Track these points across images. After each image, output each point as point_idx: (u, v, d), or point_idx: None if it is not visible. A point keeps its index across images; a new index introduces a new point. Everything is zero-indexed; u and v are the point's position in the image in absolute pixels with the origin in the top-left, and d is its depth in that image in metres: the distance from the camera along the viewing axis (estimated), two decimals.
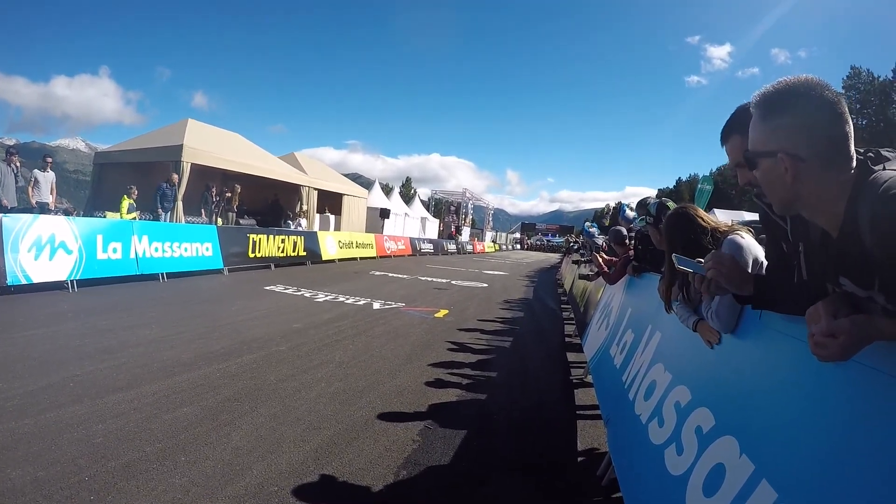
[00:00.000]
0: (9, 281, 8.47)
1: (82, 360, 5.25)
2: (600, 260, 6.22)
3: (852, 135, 1.36)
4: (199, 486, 3.07)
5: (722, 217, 20.32)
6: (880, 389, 1.31)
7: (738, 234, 2.49)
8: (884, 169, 1.31)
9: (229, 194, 19.58)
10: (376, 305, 10.37)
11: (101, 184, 18.78)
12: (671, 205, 3.95)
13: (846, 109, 1.36)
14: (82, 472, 3.11)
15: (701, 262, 1.99)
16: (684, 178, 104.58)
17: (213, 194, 18.78)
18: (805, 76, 1.37)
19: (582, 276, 9.93)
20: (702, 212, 2.82)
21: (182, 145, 16.42)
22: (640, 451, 2.81)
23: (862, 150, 1.38)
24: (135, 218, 13.87)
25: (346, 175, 33.12)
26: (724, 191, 66.07)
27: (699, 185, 18.26)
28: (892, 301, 1.28)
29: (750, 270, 2.21)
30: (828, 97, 1.34)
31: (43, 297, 8.50)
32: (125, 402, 4.26)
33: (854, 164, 1.35)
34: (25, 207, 11.94)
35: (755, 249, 2.37)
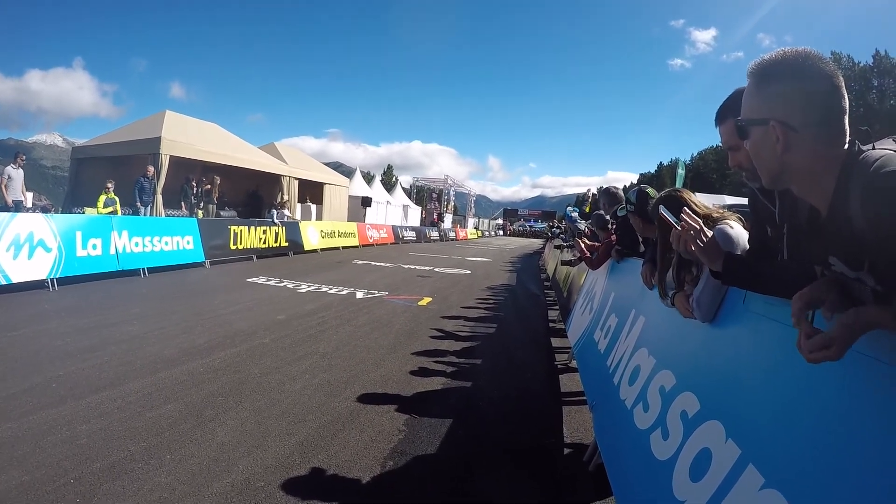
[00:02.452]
0: None
1: (64, 360, 5.17)
2: (583, 245, 6.21)
3: (848, 110, 1.34)
4: (185, 484, 3.04)
5: (703, 201, 20.49)
6: (867, 373, 1.30)
7: (727, 223, 2.47)
8: (873, 148, 1.30)
9: (209, 186, 19.36)
10: (359, 295, 10.33)
11: (80, 179, 18.51)
12: (651, 191, 3.95)
13: (843, 84, 1.33)
14: (68, 474, 3.06)
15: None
16: (666, 163, 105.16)
17: (193, 186, 18.55)
18: (803, 48, 1.35)
19: (564, 262, 9.95)
20: (694, 197, 2.81)
21: (160, 137, 16.19)
22: (625, 437, 2.82)
23: (852, 129, 1.37)
24: (112, 213, 13.65)
25: (327, 164, 32.89)
26: (705, 175, 66.56)
27: (677, 171, 18.40)
28: (882, 283, 1.27)
29: None
30: (825, 69, 1.32)
31: (23, 297, 8.33)
32: (109, 401, 4.20)
33: (847, 139, 1.33)
34: (1, 206, 11.68)
35: (743, 241, 2.36)
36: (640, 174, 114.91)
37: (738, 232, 2.39)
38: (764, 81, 1.39)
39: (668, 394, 2.50)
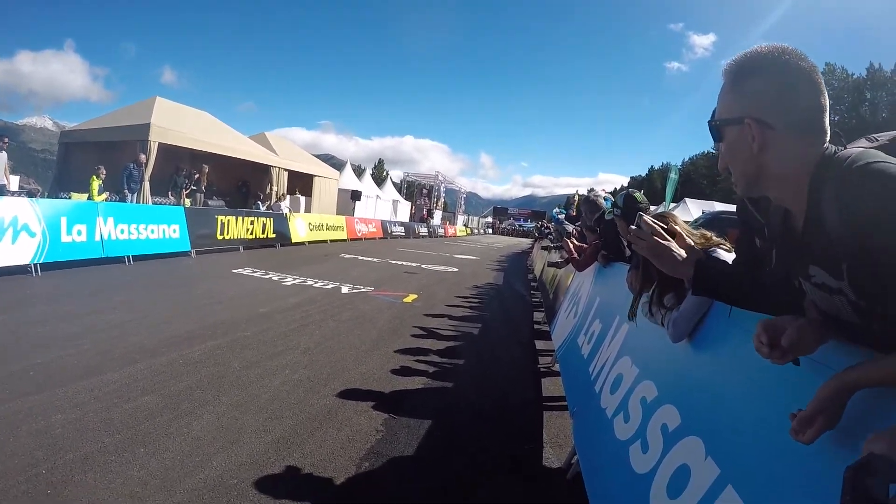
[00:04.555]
0: None
1: (44, 348, 5.07)
2: (570, 246, 6.18)
3: (828, 108, 1.29)
4: (157, 479, 2.98)
5: (693, 207, 20.52)
6: (859, 396, 1.26)
7: (716, 250, 2.41)
8: (844, 147, 1.25)
9: (197, 175, 19.20)
10: (345, 289, 10.25)
11: (67, 164, 18.27)
12: (638, 196, 3.91)
13: (822, 81, 1.29)
14: (40, 464, 3.00)
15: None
16: (657, 167, 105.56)
17: (184, 176, 18.40)
18: (780, 44, 1.30)
19: (552, 264, 9.93)
20: (681, 222, 2.73)
21: (150, 124, 15.99)
22: (605, 447, 2.78)
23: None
24: (105, 199, 13.48)
25: (318, 156, 32.71)
26: (696, 181, 66.82)
27: (669, 175, 18.47)
28: (862, 294, 1.21)
29: None
30: (803, 65, 1.27)
31: (5, 282, 8.19)
32: (86, 391, 4.12)
33: (827, 139, 1.28)
34: None
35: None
36: (631, 177, 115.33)
37: (727, 258, 2.34)
38: (739, 78, 1.34)
39: (650, 405, 2.47)
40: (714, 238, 2.53)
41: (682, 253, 1.91)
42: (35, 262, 9.20)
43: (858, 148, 1.24)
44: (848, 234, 1.13)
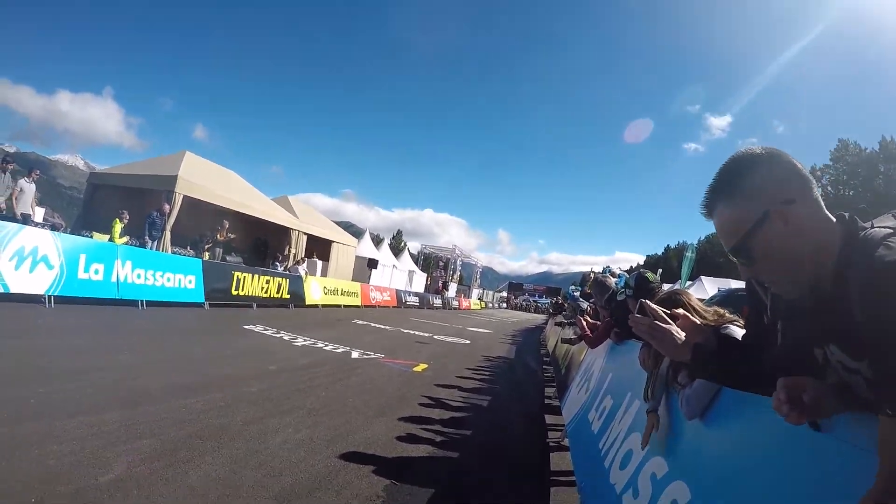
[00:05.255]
0: None
1: (48, 378, 5.11)
2: (584, 323, 6.14)
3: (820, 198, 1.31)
4: None
5: (708, 285, 20.34)
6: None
7: (728, 327, 2.38)
8: (872, 227, 1.24)
9: (218, 228, 19.54)
10: (355, 354, 10.17)
11: (93, 204, 18.82)
12: (650, 276, 3.90)
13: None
14: (30, 492, 2.96)
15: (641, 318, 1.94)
16: (673, 246, 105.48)
17: (208, 238, 18.79)
18: (741, 149, 1.36)
19: (565, 340, 9.83)
20: (694, 299, 2.70)
21: (177, 176, 16.45)
22: None
23: (845, 213, 1.31)
24: (126, 242, 13.73)
25: (338, 223, 33.19)
26: (712, 258, 66.43)
27: (685, 253, 18.46)
28: (879, 378, 1.17)
29: None
30: (785, 156, 1.31)
31: (19, 309, 8.33)
32: (85, 426, 4.10)
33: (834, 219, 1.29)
34: (9, 216, 11.72)
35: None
36: (647, 256, 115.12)
37: (739, 335, 2.30)
38: (739, 184, 1.35)
39: (660, 481, 2.39)
40: (727, 315, 2.49)
41: (682, 336, 1.89)
42: (50, 294, 9.42)
43: (887, 229, 1.21)
44: (874, 331, 1.09)
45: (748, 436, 1.89)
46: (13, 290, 8.80)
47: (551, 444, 5.97)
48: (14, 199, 12.37)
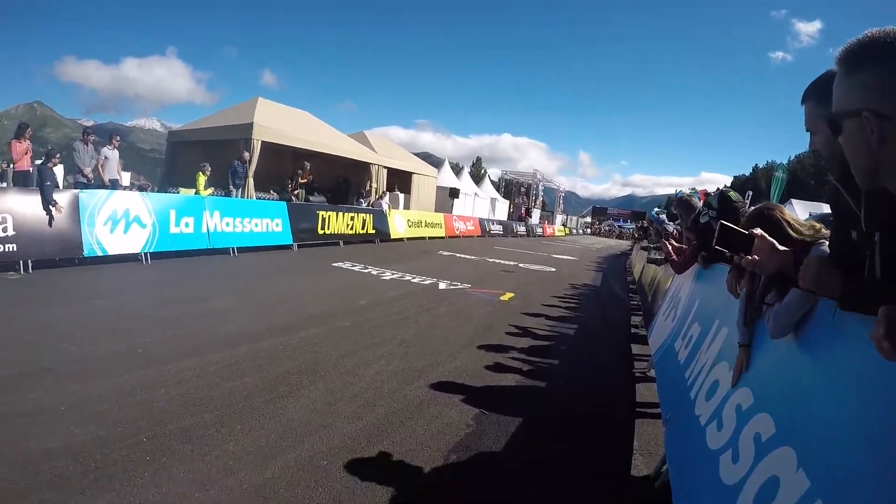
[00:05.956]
0: (85, 252, 9.10)
1: (151, 328, 5.55)
2: (669, 248, 6.00)
3: None
4: (250, 455, 3.19)
5: (799, 209, 19.26)
6: None
7: (824, 242, 2.28)
8: None
9: (300, 171, 19.99)
10: (442, 286, 10.42)
11: (175, 162, 19.64)
12: (733, 195, 3.75)
13: None
14: (141, 433, 3.30)
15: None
16: (761, 166, 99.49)
17: (289, 183, 19.29)
18: (893, 27, 1.22)
19: (651, 260, 9.68)
20: (788, 214, 2.57)
21: (252, 123, 16.78)
22: (695, 456, 2.70)
23: None
24: (211, 194, 14.33)
25: (416, 154, 33.17)
26: (803, 180, 62.51)
27: (774, 173, 17.47)
28: None
29: None
30: None
31: (117, 268, 9.01)
32: (188, 369, 4.48)
33: None
34: (98, 184, 12.39)
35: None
36: (734, 176, 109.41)
37: None
38: (854, 68, 1.24)
39: (744, 414, 2.37)
40: (824, 230, 2.39)
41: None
42: (145, 251, 10.12)
43: None
44: None
45: (840, 365, 1.83)
46: (111, 252, 9.52)
47: (637, 374, 5.98)
48: (100, 167, 12.97)
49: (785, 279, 2.10)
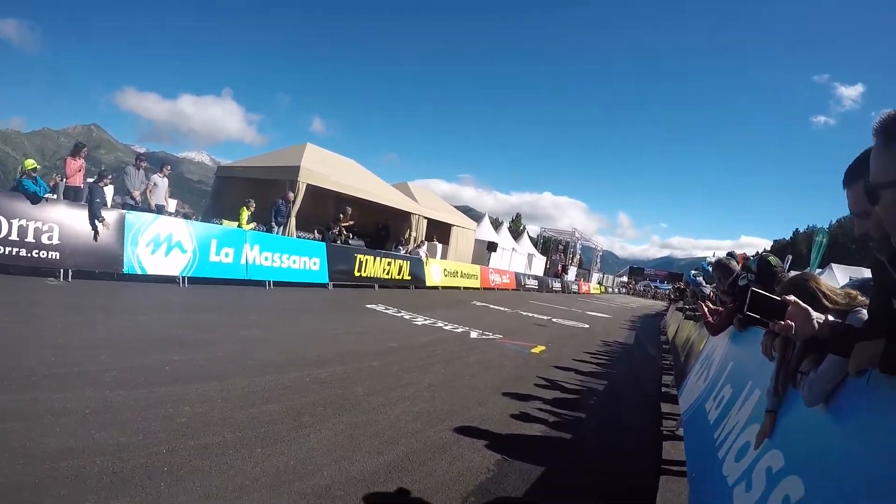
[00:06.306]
0: (125, 269, 9.54)
1: (182, 348, 5.69)
2: (706, 309, 5.94)
3: None
4: (268, 477, 3.21)
5: (840, 273, 18.77)
6: None
7: (859, 310, 2.26)
8: None
9: (342, 215, 20.35)
10: (474, 335, 10.38)
11: (220, 195, 20.16)
12: (773, 259, 3.72)
13: None
14: (161, 444, 3.36)
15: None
16: (802, 230, 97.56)
17: (334, 230, 19.69)
18: None
19: (688, 317, 9.56)
20: (824, 284, 2.55)
21: (300, 166, 17.19)
22: None
23: None
24: (253, 228, 14.67)
25: (457, 207, 33.51)
26: (844, 245, 60.99)
27: (815, 238, 17.17)
28: None
29: None
30: None
31: (156, 288, 9.32)
32: (215, 391, 4.56)
33: None
34: (145, 208, 12.82)
35: None
36: (774, 241, 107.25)
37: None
38: (891, 139, 1.28)
39: (775, 476, 2.32)
40: (859, 297, 2.36)
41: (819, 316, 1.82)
42: (183, 275, 10.49)
43: None
44: None
45: (873, 430, 1.80)
46: (150, 272, 9.96)
47: (665, 432, 5.85)
48: (148, 192, 13.43)
49: (820, 346, 2.08)
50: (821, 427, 2.20)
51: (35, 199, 8.73)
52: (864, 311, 2.24)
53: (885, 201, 1.30)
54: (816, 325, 1.85)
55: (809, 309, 1.97)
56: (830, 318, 1.93)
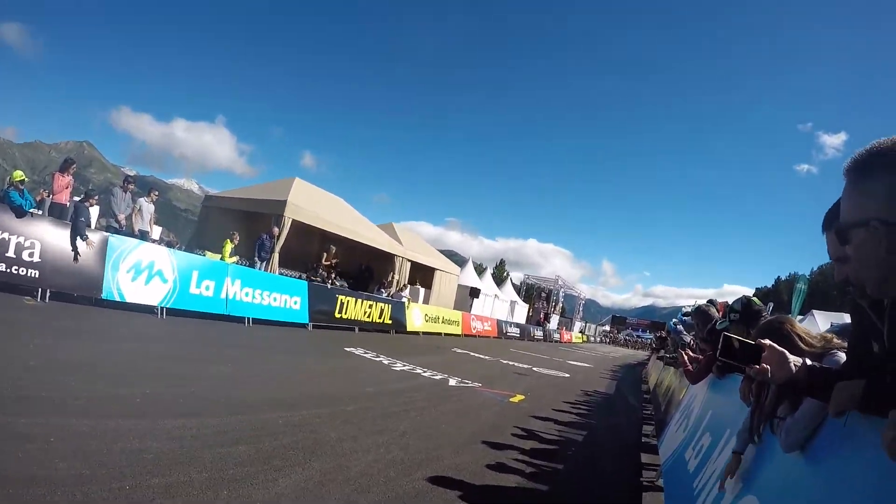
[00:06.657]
0: (104, 295, 9.37)
1: (155, 381, 5.57)
2: (685, 357, 5.92)
3: None
4: None
5: (821, 319, 18.95)
6: None
7: (836, 353, 2.25)
8: None
9: (325, 254, 20.32)
10: (452, 382, 10.23)
11: (206, 224, 20.15)
12: (755, 301, 3.72)
13: None
14: (125, 480, 3.22)
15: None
16: (783, 277, 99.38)
17: (316, 263, 19.61)
18: None
19: (667, 363, 9.53)
20: (799, 327, 2.55)
21: (286, 201, 17.26)
22: None
23: None
24: (235, 262, 14.55)
25: (441, 251, 33.63)
26: (825, 291, 61.86)
27: (796, 285, 17.45)
28: None
29: None
30: None
31: (133, 317, 9.17)
32: (184, 428, 4.41)
33: None
34: (129, 232, 12.69)
35: None
36: (757, 288, 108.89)
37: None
38: (860, 178, 1.27)
39: None
40: (835, 340, 2.35)
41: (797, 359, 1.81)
42: (162, 306, 10.30)
43: None
44: None
45: (850, 474, 1.77)
46: (129, 300, 9.76)
47: (645, 483, 5.75)
48: (134, 216, 13.33)
49: (797, 390, 2.05)
50: (797, 472, 2.16)
51: (20, 212, 8.62)
52: (841, 354, 2.22)
53: (856, 241, 1.29)
54: (794, 367, 1.83)
55: (786, 352, 1.94)
56: (808, 361, 1.90)
